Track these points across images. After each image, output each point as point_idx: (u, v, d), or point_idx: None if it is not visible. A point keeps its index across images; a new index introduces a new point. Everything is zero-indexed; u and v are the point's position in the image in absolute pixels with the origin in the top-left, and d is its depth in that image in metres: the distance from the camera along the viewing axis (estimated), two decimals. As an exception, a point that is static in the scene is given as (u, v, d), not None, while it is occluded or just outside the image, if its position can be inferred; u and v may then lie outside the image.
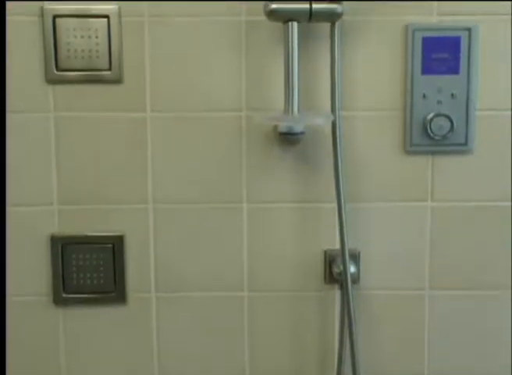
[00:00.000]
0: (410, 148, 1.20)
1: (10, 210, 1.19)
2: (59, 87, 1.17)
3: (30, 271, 1.22)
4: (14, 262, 1.21)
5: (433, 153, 1.21)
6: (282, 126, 1.17)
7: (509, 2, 1.17)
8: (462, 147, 1.20)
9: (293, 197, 1.22)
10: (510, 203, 1.22)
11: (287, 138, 1.18)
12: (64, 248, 1.21)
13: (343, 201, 1.17)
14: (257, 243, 1.23)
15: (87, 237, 1.21)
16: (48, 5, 1.15)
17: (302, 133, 1.18)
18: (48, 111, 1.18)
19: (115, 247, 1.22)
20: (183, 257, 1.23)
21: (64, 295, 1.23)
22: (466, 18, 1.17)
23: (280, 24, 1.13)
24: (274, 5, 1.11)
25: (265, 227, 1.23)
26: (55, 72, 1.16)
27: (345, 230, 1.17)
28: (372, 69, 1.19)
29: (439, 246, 1.24)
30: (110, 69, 1.17)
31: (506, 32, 1.18)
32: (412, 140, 1.20)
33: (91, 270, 1.22)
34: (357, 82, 1.19)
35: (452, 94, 1.18)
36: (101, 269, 1.22)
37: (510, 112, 1.20)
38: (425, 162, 1.21)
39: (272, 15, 1.12)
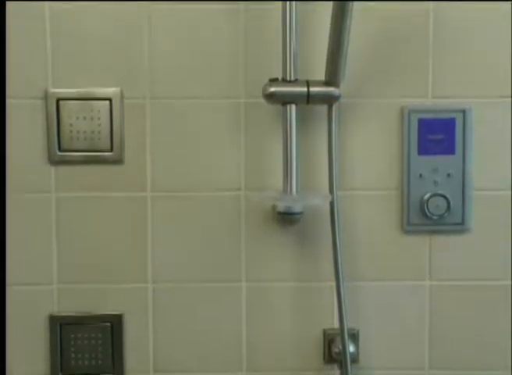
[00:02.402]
0: (407, 227, 1.21)
1: (10, 289, 1.20)
2: (61, 168, 1.19)
3: (27, 351, 1.22)
4: (12, 342, 1.21)
5: (431, 232, 1.22)
6: (281, 206, 1.18)
7: (499, 85, 1.20)
8: (459, 226, 1.21)
9: (291, 276, 1.22)
10: (509, 282, 1.23)
11: (286, 218, 1.19)
12: (62, 328, 1.21)
13: (341, 280, 1.17)
14: (256, 322, 1.23)
15: (85, 316, 1.21)
16: (52, 89, 1.18)
17: (300, 213, 1.19)
18: (49, 191, 1.19)
19: (113, 326, 1.21)
20: (182, 336, 1.23)
21: (61, 376, 1.22)
22: (460, 100, 1.20)
23: (279, 106, 1.16)
24: (272, 89, 1.14)
25: (264, 306, 1.23)
26: (58, 153, 1.18)
27: (344, 309, 1.17)
28: (369, 150, 1.21)
29: (439, 325, 1.24)
30: (111, 150, 1.19)
31: (499, 113, 1.21)
32: (409, 219, 1.21)
33: (89, 350, 1.21)
34: (355, 162, 1.21)
35: (448, 174, 1.20)
36: (100, 348, 1.21)
37: (506, 192, 1.22)
38: (423, 241, 1.22)
39: (270, 98, 1.14)
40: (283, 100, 1.15)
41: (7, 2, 1.16)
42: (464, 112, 1.19)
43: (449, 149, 1.20)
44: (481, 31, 1.20)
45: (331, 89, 1.14)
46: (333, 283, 1.18)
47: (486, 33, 1.20)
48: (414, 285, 1.23)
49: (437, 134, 1.20)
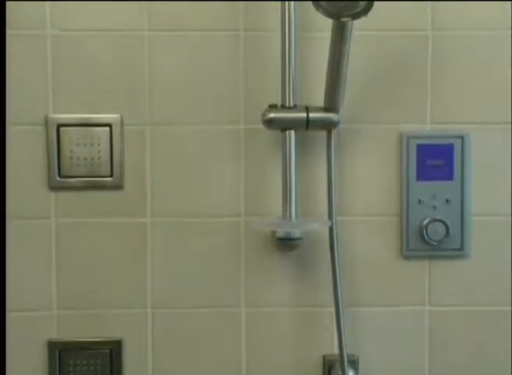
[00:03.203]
0: (407, 252, 1.21)
1: (9, 315, 1.19)
2: (61, 194, 1.19)
3: (26, 377, 1.22)
4: (12, 368, 1.20)
5: (430, 258, 1.22)
6: (280, 232, 1.19)
7: (497, 111, 1.21)
8: (458, 252, 1.21)
9: (291, 301, 1.22)
10: (509, 308, 1.23)
11: (285, 243, 1.20)
12: (61, 354, 1.20)
13: (341, 305, 1.17)
14: (255, 347, 1.23)
15: (84, 342, 1.21)
16: (52, 115, 1.18)
17: (300, 238, 1.19)
18: (49, 217, 1.20)
19: (112, 352, 1.21)
20: (181, 362, 1.22)
21: (60, 402, 1.21)
22: (458, 126, 1.21)
23: (278, 132, 1.17)
24: (272, 115, 1.14)
25: (263, 332, 1.22)
26: (58, 179, 1.19)
27: (343, 335, 1.17)
28: (369, 175, 1.21)
29: (439, 350, 1.23)
30: (111, 176, 1.19)
31: (498, 139, 1.21)
32: (409, 245, 1.21)
33: (88, 376, 1.21)
34: (354, 187, 1.21)
35: (447, 200, 1.21)
36: (99, 374, 1.21)
37: (505, 218, 1.22)
38: (422, 266, 1.22)
39: (269, 124, 1.15)
40: (282, 126, 1.15)
41: (7, 4, 1.16)
42: (462, 138, 1.20)
43: (448, 175, 1.21)
44: (480, 57, 1.21)
45: (330, 115, 1.15)
46: (333, 309, 1.18)
47: (485, 59, 1.21)
48: (414, 310, 1.23)
49: (436, 160, 1.20)
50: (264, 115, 1.15)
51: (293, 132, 1.15)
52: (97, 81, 1.19)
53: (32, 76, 1.18)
